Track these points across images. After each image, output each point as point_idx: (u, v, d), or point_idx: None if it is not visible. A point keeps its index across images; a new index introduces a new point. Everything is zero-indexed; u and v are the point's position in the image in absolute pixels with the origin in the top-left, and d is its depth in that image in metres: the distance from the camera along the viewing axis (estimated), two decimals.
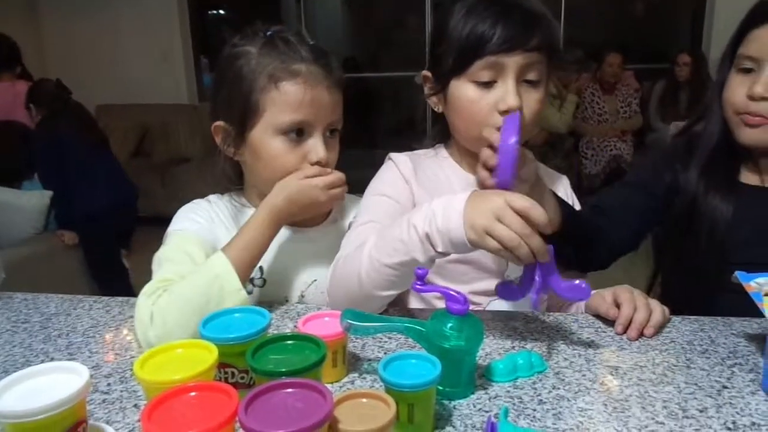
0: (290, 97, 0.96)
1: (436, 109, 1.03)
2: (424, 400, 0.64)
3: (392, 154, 1.06)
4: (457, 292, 0.71)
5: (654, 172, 1.15)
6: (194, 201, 1.09)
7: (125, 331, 0.93)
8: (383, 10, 6.24)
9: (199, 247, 0.97)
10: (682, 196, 1.08)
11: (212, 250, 0.96)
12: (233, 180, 1.09)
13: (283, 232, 1.03)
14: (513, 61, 0.90)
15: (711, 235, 1.03)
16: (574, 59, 4.49)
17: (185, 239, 0.99)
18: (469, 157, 1.02)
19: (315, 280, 1.06)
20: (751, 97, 0.98)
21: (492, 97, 0.92)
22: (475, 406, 0.70)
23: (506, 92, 0.90)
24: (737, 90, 1.00)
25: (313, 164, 0.98)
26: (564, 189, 1.12)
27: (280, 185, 0.97)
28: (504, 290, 0.85)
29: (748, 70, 0.99)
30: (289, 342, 0.68)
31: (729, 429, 0.64)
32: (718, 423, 0.65)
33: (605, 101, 4.57)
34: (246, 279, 0.93)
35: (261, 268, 1.03)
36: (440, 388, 0.69)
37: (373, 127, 6.23)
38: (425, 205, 0.84)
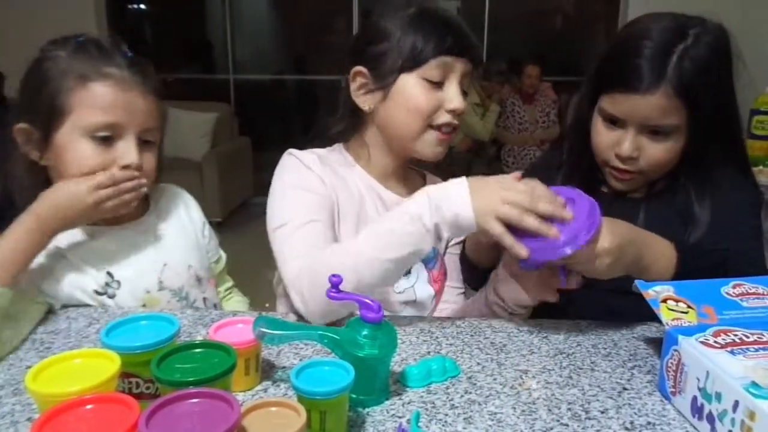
0: (100, 98, 0.94)
1: (363, 107, 1.04)
2: (337, 407, 0.63)
3: (293, 151, 1.06)
4: (372, 300, 0.71)
5: None
6: None
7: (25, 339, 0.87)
8: (311, 11, 6.20)
9: None
10: None
11: None
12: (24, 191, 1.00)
13: (114, 231, 1.03)
14: (459, 66, 1.00)
15: None
16: (497, 70, 4.63)
17: None
18: (376, 159, 1.08)
19: (165, 264, 1.06)
20: (618, 156, 1.00)
21: (440, 97, 1.00)
22: (388, 412, 0.70)
23: (454, 94, 1.00)
24: (604, 140, 1.02)
25: (122, 168, 0.96)
26: None
27: (48, 191, 0.94)
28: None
29: (613, 122, 1.00)
30: (198, 350, 0.66)
31: (627, 429, 0.67)
32: (617, 423, 0.68)
33: (525, 111, 4.73)
34: (5, 284, 0.87)
35: (109, 273, 1.01)
36: (354, 396, 0.68)
37: (301, 129, 6.18)
38: (419, 196, 0.87)
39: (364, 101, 1.04)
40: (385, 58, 1.00)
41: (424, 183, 1.15)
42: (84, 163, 0.95)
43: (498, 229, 0.83)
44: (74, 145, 0.95)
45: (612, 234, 0.84)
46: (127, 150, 0.96)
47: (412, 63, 0.98)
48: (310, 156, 1.05)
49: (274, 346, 0.82)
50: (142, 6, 6.13)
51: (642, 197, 1.07)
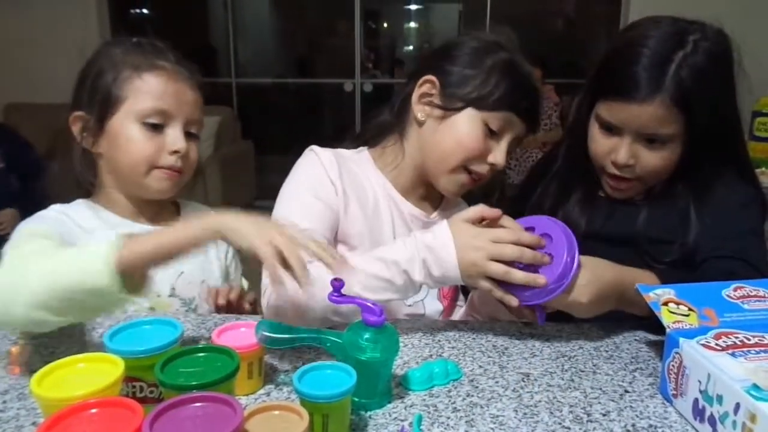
0: (152, 86, 1.01)
1: (417, 115, 1.03)
2: (339, 411, 0.64)
3: (315, 148, 1.06)
4: (374, 304, 0.71)
5: (531, 186, 1.21)
6: (37, 214, 1.02)
7: (29, 344, 0.87)
8: (313, 16, 6.21)
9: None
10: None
11: None
12: (83, 184, 1.08)
13: (146, 228, 1.04)
14: (519, 128, 1.01)
15: None
16: None
17: (36, 232, 0.92)
18: (404, 169, 1.07)
19: (182, 273, 1.07)
20: (615, 164, 1.00)
21: (489, 146, 1.00)
22: (390, 415, 0.70)
23: (501, 150, 1.00)
24: (600, 147, 1.02)
25: (171, 153, 1.02)
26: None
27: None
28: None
29: (610, 129, 1.00)
30: (201, 354, 0.66)
31: (628, 431, 0.68)
32: (619, 426, 0.68)
33: None
34: (135, 272, 0.73)
35: None
36: (356, 399, 0.69)
37: (304, 132, 6.20)
38: (409, 246, 0.87)
39: (422, 110, 1.02)
40: (464, 84, 0.99)
41: (439, 202, 1.13)
42: (134, 147, 1.01)
43: (487, 286, 0.85)
44: (126, 131, 1.01)
45: (593, 274, 0.85)
46: (176, 137, 1.02)
47: (486, 104, 0.98)
48: (329, 155, 1.04)
49: (276, 349, 0.82)
50: (145, 10, 6.15)
51: (641, 200, 1.07)
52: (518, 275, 0.83)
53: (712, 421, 0.65)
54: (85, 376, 0.61)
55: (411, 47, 6.33)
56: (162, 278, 1.04)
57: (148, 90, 1.01)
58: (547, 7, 6.02)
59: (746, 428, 0.60)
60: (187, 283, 1.08)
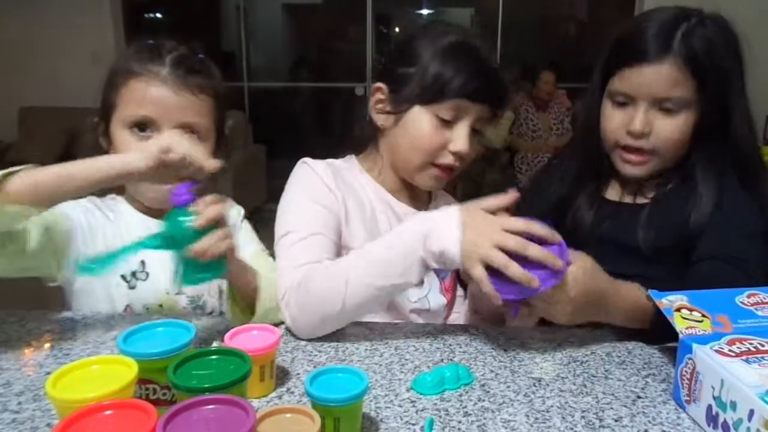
0: (135, 93, 1.00)
1: (377, 123, 1.04)
2: (351, 414, 0.64)
3: (308, 160, 1.06)
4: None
5: (541, 189, 1.20)
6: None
7: (44, 346, 0.88)
8: (325, 20, 6.24)
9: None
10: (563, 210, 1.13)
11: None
12: None
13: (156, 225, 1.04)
14: (475, 110, 0.98)
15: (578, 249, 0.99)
16: (511, 78, 4.61)
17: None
18: (387, 173, 1.08)
19: None
20: (630, 133, 1.01)
21: (447, 136, 0.98)
22: (402, 419, 0.70)
23: (460, 137, 0.98)
24: (614, 121, 1.03)
25: None
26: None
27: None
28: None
29: (623, 104, 1.02)
30: (214, 357, 0.67)
31: None
32: None
33: (539, 118, 4.72)
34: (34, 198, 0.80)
35: (143, 262, 1.03)
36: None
37: (315, 136, 6.21)
38: (416, 222, 0.87)
39: (379, 117, 1.04)
40: (405, 84, 0.99)
41: (429, 197, 1.15)
42: (125, 152, 0.99)
43: (479, 274, 0.81)
44: (119, 137, 1.01)
45: (576, 283, 0.83)
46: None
47: (430, 97, 0.97)
48: (323, 166, 1.05)
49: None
50: (159, 15, 6.21)
51: (647, 203, 1.06)
52: (517, 271, 0.78)
53: (725, 428, 0.65)
54: (99, 378, 0.61)
55: None
56: (168, 276, 1.05)
57: (131, 97, 1.00)
58: (559, 11, 6.01)
59: None
60: None
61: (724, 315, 0.77)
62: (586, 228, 1.08)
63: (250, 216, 1.17)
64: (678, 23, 0.97)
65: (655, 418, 0.71)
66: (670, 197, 1.05)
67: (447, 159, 1.00)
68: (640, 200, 1.08)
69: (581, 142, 1.14)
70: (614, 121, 1.03)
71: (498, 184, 4.57)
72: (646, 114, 0.99)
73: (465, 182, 4.46)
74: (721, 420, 0.65)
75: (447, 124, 0.98)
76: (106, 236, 1.03)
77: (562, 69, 4.84)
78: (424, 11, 6.40)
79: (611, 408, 0.73)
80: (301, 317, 0.89)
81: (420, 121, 0.98)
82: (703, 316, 0.77)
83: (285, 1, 6.21)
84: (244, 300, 0.93)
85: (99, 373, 0.63)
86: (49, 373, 0.62)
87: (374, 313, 0.98)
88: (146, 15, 6.05)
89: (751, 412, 0.61)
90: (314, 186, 1.02)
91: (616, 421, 0.70)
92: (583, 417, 0.71)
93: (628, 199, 1.09)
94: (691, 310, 0.77)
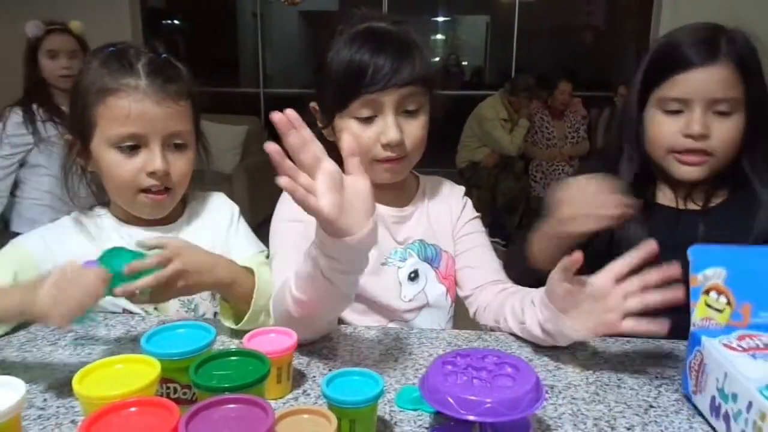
0: (117, 111, 0.97)
1: (330, 139, 1.02)
2: (366, 416, 0.65)
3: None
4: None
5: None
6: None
7: (65, 345, 0.91)
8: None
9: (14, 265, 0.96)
10: None
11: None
12: (96, 193, 1.09)
13: (144, 232, 1.04)
14: (389, 99, 0.95)
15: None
16: (526, 86, 4.62)
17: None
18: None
19: None
20: (690, 136, 1.02)
21: (374, 131, 0.97)
22: (416, 423, 0.71)
23: (386, 126, 0.96)
24: (668, 129, 1.04)
25: (149, 174, 0.98)
26: (456, 198, 1.15)
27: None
28: None
29: (676, 111, 1.03)
30: (233, 358, 0.68)
31: None
32: None
33: (554, 127, 4.71)
34: None
35: None
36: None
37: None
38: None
39: (326, 133, 1.02)
40: (324, 98, 0.99)
41: (417, 186, 1.13)
42: (114, 172, 0.99)
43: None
44: (104, 156, 0.99)
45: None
46: (150, 158, 0.98)
47: (340, 105, 0.96)
48: None
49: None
50: (177, 21, 6.29)
51: (700, 210, 1.08)
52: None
53: (726, 418, 0.67)
54: (123, 376, 0.63)
55: (438, 59, 6.36)
56: None
57: (113, 116, 0.97)
58: (575, 20, 6.01)
59: (757, 426, 0.62)
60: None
61: (750, 303, 0.76)
62: (636, 239, 1.06)
63: (264, 220, 1.18)
64: (718, 32, 1.01)
65: (668, 428, 0.72)
66: (728, 207, 1.07)
67: (383, 154, 0.98)
68: (691, 206, 1.09)
69: (627, 155, 1.12)
70: (667, 128, 1.04)
71: (513, 192, 4.56)
72: (703, 117, 1.01)
73: (480, 190, 4.47)
74: (722, 411, 0.68)
75: (371, 119, 0.96)
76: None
77: (578, 77, 4.84)
78: (440, 18, 6.42)
79: (623, 416, 0.74)
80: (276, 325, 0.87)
81: (343, 129, 0.97)
82: (728, 303, 0.77)
83: (302, 8, 6.27)
84: (246, 303, 0.94)
85: (123, 371, 0.65)
86: (72, 372, 0.64)
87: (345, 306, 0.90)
88: (164, 22, 6.14)
89: (750, 404, 0.63)
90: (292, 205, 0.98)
91: (628, 429, 0.71)
92: (595, 425, 0.72)
93: (680, 205, 1.10)
94: (720, 292, 0.77)
